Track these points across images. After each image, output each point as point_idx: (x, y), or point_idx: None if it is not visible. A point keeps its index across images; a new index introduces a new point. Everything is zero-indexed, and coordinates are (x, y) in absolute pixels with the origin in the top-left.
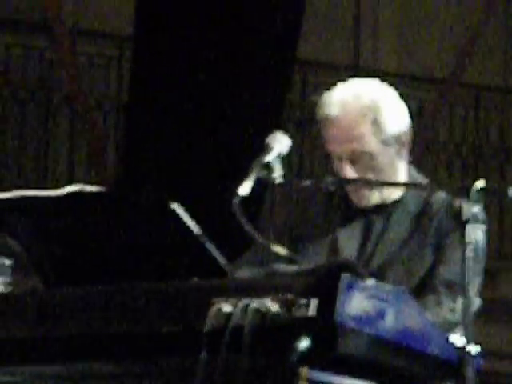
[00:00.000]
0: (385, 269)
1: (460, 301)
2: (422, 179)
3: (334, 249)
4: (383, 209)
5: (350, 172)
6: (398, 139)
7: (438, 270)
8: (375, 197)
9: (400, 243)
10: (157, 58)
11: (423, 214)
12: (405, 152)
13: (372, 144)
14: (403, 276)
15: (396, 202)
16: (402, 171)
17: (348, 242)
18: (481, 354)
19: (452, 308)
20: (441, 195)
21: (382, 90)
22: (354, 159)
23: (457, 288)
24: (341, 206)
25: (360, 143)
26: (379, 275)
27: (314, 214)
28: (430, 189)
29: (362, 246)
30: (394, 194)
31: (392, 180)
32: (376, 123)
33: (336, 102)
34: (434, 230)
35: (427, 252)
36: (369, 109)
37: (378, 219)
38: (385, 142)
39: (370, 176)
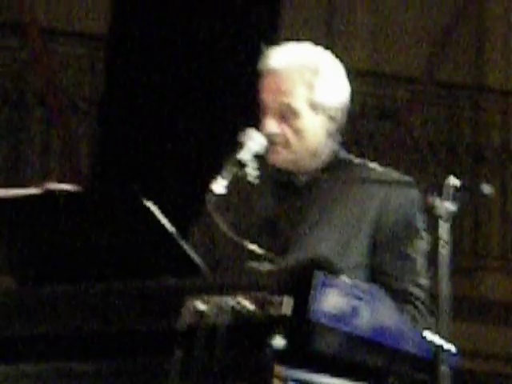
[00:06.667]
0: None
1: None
2: (352, 159)
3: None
4: (307, 179)
5: (272, 126)
6: (326, 110)
7: (412, 284)
8: (290, 157)
9: (324, 215)
10: (130, 57)
11: (356, 187)
12: (332, 129)
13: (300, 103)
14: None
15: (319, 172)
16: (326, 147)
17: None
18: (456, 353)
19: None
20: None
21: (330, 61)
22: (280, 114)
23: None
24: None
25: (289, 98)
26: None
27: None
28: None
29: (280, 221)
30: (314, 163)
31: (311, 149)
32: (310, 86)
33: (281, 56)
34: (374, 211)
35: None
36: (308, 70)
37: (301, 191)
38: (313, 107)
39: (291, 137)
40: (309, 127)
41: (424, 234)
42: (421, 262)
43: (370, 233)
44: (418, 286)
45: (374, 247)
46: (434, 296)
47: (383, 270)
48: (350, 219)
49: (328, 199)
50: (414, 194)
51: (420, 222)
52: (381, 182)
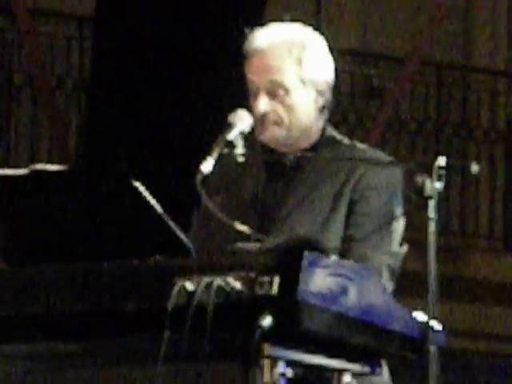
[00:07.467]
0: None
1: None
2: (340, 138)
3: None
4: (295, 158)
5: (263, 104)
6: (316, 85)
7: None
8: (283, 134)
9: (310, 191)
10: (117, 37)
11: (341, 167)
12: (322, 104)
13: (290, 79)
14: (311, 224)
15: (308, 151)
16: (316, 123)
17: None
18: (443, 331)
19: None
20: (372, 156)
21: (313, 37)
22: (271, 91)
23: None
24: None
25: (279, 75)
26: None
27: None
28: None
29: (268, 197)
30: (304, 141)
31: (302, 125)
32: (299, 61)
33: (266, 36)
34: (352, 185)
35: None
36: (295, 46)
37: (288, 169)
38: (303, 82)
39: (283, 113)
40: (300, 103)
41: (400, 217)
42: (393, 244)
43: (346, 211)
44: (386, 267)
45: (346, 222)
46: (420, 276)
47: (350, 247)
48: (330, 198)
49: (314, 178)
50: (395, 175)
51: (397, 205)
52: (363, 161)
